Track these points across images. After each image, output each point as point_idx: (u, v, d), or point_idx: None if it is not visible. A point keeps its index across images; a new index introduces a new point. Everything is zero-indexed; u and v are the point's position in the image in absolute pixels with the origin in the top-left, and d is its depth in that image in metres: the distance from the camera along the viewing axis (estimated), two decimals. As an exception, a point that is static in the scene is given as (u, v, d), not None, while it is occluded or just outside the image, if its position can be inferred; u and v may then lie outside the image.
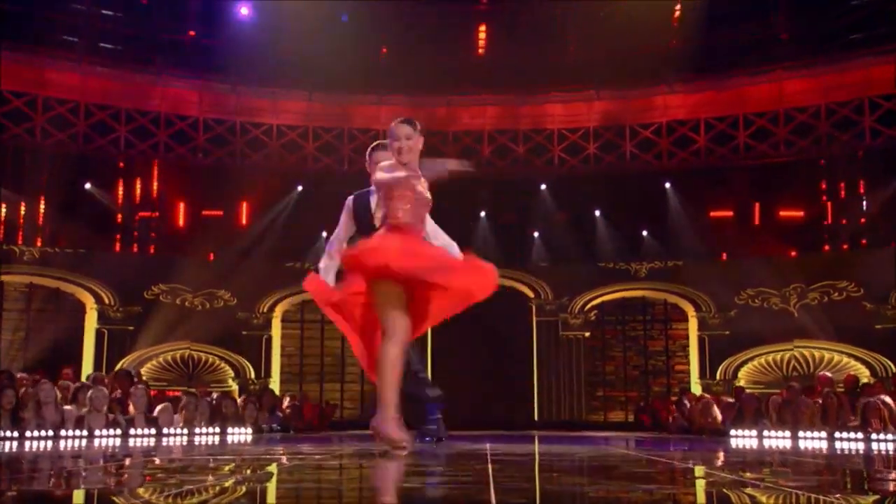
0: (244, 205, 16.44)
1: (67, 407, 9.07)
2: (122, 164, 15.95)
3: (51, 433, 8.47)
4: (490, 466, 3.67)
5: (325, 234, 15.65)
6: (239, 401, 11.93)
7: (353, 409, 15.66)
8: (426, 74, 15.57)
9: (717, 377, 15.16)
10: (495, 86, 16.16)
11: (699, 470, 3.87)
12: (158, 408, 10.06)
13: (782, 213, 15.99)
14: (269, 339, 15.54)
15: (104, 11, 15.34)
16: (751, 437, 9.68)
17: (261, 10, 15.65)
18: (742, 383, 14.54)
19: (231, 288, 15.38)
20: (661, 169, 15.98)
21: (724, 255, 15.99)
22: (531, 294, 15.95)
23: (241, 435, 10.02)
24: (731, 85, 15.54)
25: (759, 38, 15.48)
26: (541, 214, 16.39)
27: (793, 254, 15.73)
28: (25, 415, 8.60)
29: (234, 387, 14.95)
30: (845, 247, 15.43)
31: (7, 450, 6.09)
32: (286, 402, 13.27)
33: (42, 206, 15.09)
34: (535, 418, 15.36)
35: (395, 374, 4.35)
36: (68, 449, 6.30)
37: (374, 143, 5.94)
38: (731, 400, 11.89)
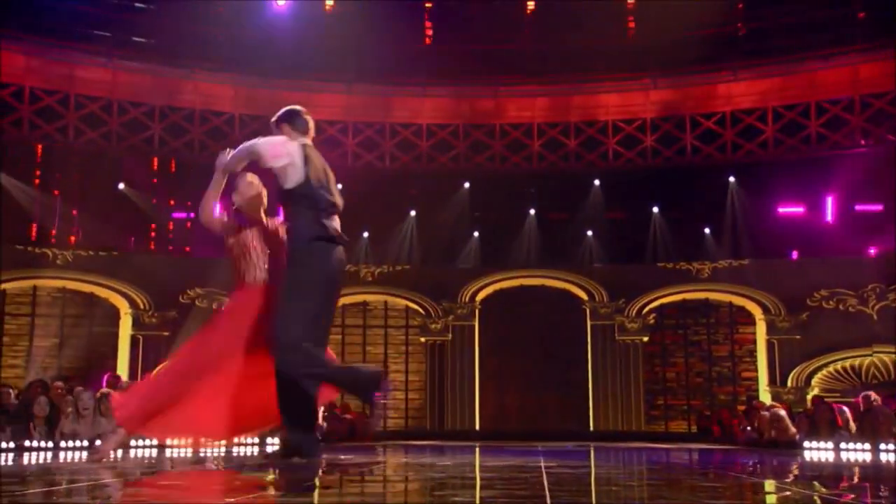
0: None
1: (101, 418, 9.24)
2: (155, 163, 16.25)
3: (86, 443, 8.65)
4: (545, 479, 3.66)
5: (366, 234, 15.82)
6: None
7: (398, 418, 15.74)
8: (472, 63, 15.58)
9: (789, 384, 14.90)
10: (545, 75, 16.09)
11: (769, 485, 3.81)
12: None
13: (858, 208, 15.64)
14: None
15: (136, 4, 15.64)
16: (826, 449, 9.49)
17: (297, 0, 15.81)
18: (816, 391, 14.27)
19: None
20: (725, 162, 15.76)
21: (795, 254, 15.71)
22: (584, 296, 15.85)
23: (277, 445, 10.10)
24: (801, 70, 15.24)
25: (833, 17, 15.18)
26: (594, 212, 16.28)
27: (871, 251, 15.38)
28: (64, 424, 8.78)
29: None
30: (929, 243, 15.04)
31: (41, 461, 6.23)
32: (321, 411, 13.36)
33: (75, 208, 15.43)
34: (591, 428, 15.26)
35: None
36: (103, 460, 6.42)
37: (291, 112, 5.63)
38: (805, 409, 11.66)
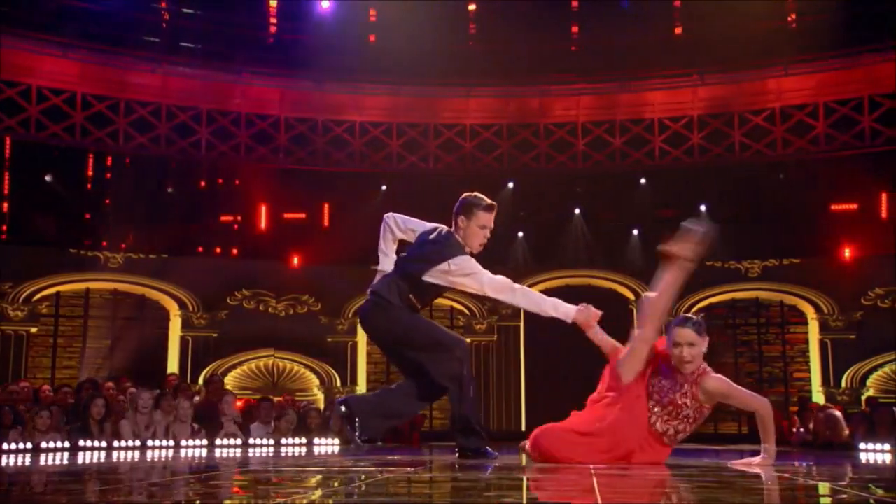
0: (326, 206, 16.75)
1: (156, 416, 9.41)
2: (203, 167, 16.50)
3: (137, 443, 8.82)
4: (595, 480, 3.63)
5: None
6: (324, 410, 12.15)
7: (443, 418, 15.75)
8: (517, 63, 15.55)
9: (843, 385, 14.61)
10: (590, 72, 15.98)
11: (824, 487, 3.74)
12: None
13: (914, 205, 15.28)
14: (355, 346, 15.79)
15: (184, 10, 15.90)
16: (882, 451, 9.28)
17: (342, 1, 15.93)
18: (871, 392, 13.97)
19: (315, 292, 15.70)
20: (775, 159, 15.50)
21: (848, 252, 15.40)
22: (631, 296, 15.72)
23: (327, 446, 10.20)
24: (853, 64, 14.92)
25: (885, 11, 14.84)
26: (641, 211, 16.14)
27: (927, 248, 15.01)
28: (122, 424, 8.95)
29: (320, 396, 15.25)
30: None
31: (97, 460, 6.36)
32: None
33: (126, 212, 15.74)
34: (639, 430, 15.10)
35: None
36: (157, 460, 6.54)
37: (481, 200, 5.52)
38: (860, 411, 11.42)
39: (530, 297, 5.33)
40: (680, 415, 4.85)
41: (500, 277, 5.32)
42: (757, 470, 4.65)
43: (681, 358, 4.87)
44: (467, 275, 5.25)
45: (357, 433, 5.33)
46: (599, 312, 5.23)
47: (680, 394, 4.83)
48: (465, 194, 5.54)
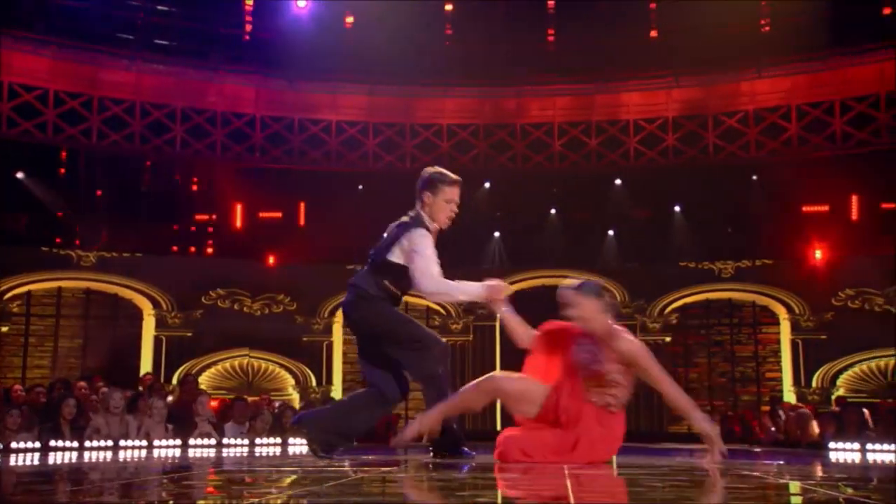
0: (302, 205, 16.69)
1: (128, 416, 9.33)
2: (178, 165, 16.38)
3: (110, 443, 8.73)
4: (568, 481, 3.65)
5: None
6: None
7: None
8: (494, 63, 15.58)
9: (813, 385, 14.77)
10: (566, 74, 16.05)
11: (795, 486, 3.78)
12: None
13: (884, 206, 15.48)
14: (331, 345, 15.75)
15: (159, 7, 15.78)
16: (852, 450, 9.39)
17: (319, 1, 15.88)
18: (841, 392, 14.13)
19: (291, 292, 15.64)
20: (748, 161, 15.65)
21: (819, 253, 15.58)
22: (607, 296, 15.78)
23: (302, 446, 10.15)
24: (826, 67, 15.11)
25: (857, 14, 15.03)
26: (616, 211, 16.23)
27: (897, 250, 15.22)
28: (92, 424, 8.87)
29: (295, 395, 15.19)
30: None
31: (68, 461, 6.30)
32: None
33: (99, 210, 15.59)
34: (613, 429, 15.19)
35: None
36: (130, 460, 6.49)
37: (445, 176, 5.38)
38: (830, 410, 11.55)
39: (447, 292, 5.28)
40: (610, 382, 4.81)
41: (436, 269, 5.25)
42: (716, 456, 4.71)
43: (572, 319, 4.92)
44: (414, 250, 5.21)
45: (314, 449, 5.37)
46: (507, 286, 5.18)
47: (600, 363, 4.82)
48: (426, 169, 5.50)
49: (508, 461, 4.85)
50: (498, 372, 5.32)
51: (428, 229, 5.30)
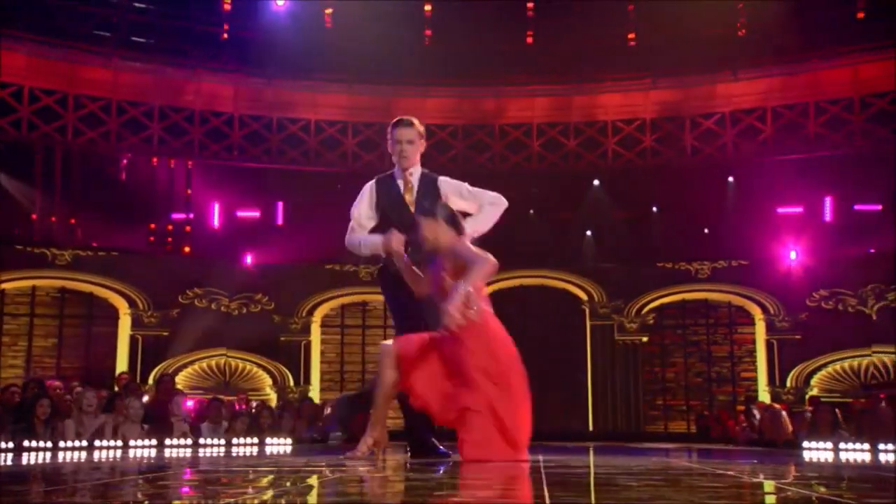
0: (280, 204, 16.63)
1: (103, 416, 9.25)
2: (154, 163, 16.26)
3: (85, 444, 8.65)
4: (544, 480, 3.66)
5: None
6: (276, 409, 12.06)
7: (398, 417, 15.72)
8: (473, 64, 15.59)
9: (788, 385, 14.91)
10: (545, 75, 16.09)
11: (769, 485, 3.81)
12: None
13: (857, 208, 15.65)
14: (309, 345, 15.69)
15: (137, 4, 15.66)
16: (826, 449, 9.49)
17: (298, 0, 15.82)
18: (815, 391, 14.27)
19: (269, 291, 15.56)
20: (724, 162, 15.77)
21: (794, 254, 15.73)
22: (584, 296, 15.86)
23: (279, 446, 10.12)
24: (800, 70, 15.27)
25: (832, 18, 15.19)
26: (594, 212, 16.29)
27: (870, 251, 15.39)
28: (66, 424, 8.78)
29: (272, 395, 15.13)
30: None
31: (42, 461, 6.24)
32: (327, 410, 13.38)
33: (74, 208, 15.44)
34: (590, 428, 15.26)
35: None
36: (104, 460, 6.43)
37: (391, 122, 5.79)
38: (804, 409, 11.67)
39: (350, 243, 5.52)
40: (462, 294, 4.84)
41: (351, 223, 5.53)
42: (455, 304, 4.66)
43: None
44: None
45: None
46: (402, 237, 5.21)
47: (440, 275, 4.88)
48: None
49: (430, 402, 4.88)
50: (383, 342, 5.43)
51: (382, 182, 5.64)
